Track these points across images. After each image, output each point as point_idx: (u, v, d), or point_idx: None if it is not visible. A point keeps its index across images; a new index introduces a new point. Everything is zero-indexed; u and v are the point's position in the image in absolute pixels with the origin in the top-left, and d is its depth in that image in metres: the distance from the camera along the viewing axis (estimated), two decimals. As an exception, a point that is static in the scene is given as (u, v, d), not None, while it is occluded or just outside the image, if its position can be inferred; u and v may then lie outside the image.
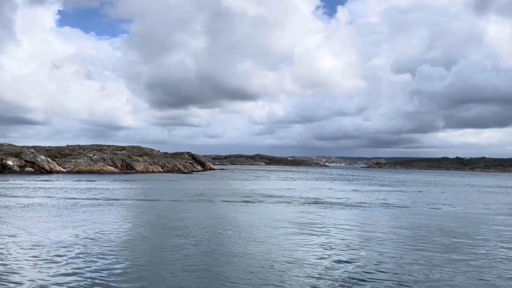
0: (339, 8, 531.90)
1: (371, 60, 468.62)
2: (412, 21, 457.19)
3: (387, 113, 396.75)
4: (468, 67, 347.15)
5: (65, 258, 13.68)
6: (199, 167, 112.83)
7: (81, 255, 14.05)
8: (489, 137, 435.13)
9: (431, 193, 49.35)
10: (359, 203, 34.84)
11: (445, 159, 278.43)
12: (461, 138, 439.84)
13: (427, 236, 19.23)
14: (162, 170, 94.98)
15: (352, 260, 14.16)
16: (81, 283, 11.18)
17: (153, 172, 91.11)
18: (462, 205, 35.15)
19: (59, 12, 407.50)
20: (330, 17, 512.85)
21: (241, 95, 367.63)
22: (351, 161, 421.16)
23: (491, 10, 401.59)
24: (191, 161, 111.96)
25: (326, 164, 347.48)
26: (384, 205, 33.70)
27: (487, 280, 12.13)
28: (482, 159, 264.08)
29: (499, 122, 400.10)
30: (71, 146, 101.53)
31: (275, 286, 11.28)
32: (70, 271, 12.19)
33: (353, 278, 12.02)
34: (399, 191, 52.64)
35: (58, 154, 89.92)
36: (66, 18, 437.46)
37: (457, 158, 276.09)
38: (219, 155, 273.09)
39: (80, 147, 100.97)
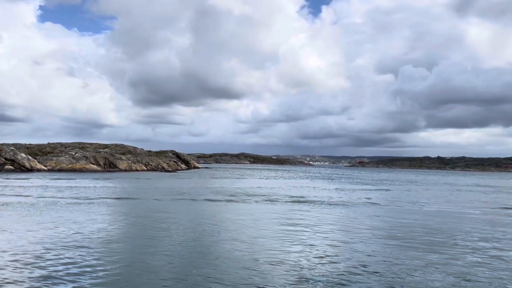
0: (324, 8, 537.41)
1: (355, 60, 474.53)
2: (395, 22, 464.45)
3: (370, 113, 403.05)
4: (449, 68, 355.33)
5: (42, 259, 13.33)
6: (183, 166, 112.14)
7: (60, 257, 13.71)
8: (469, 137, 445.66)
9: (412, 192, 50.08)
10: (342, 201, 35.11)
11: (427, 158, 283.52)
12: (442, 137, 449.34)
13: (409, 233, 19.46)
14: (145, 168, 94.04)
15: (336, 259, 14.21)
16: (60, 287, 10.92)
17: (137, 170, 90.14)
18: (443, 204, 35.76)
19: (41, 7, 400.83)
20: (315, 16, 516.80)
21: (226, 93, 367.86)
22: (335, 160, 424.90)
23: (471, 12, 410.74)
24: (175, 160, 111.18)
25: (310, 163, 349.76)
26: (366, 203, 34.03)
27: (464, 277, 12.32)
28: (462, 159, 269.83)
29: (479, 123, 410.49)
30: (53, 143, 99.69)
31: (259, 286, 11.24)
32: (48, 274, 11.88)
33: (336, 277, 12.05)
34: (382, 189, 53.27)
35: (39, 151, 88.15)
36: (47, 14, 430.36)
37: (438, 158, 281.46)
38: (203, 154, 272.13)
39: (61, 144, 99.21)
